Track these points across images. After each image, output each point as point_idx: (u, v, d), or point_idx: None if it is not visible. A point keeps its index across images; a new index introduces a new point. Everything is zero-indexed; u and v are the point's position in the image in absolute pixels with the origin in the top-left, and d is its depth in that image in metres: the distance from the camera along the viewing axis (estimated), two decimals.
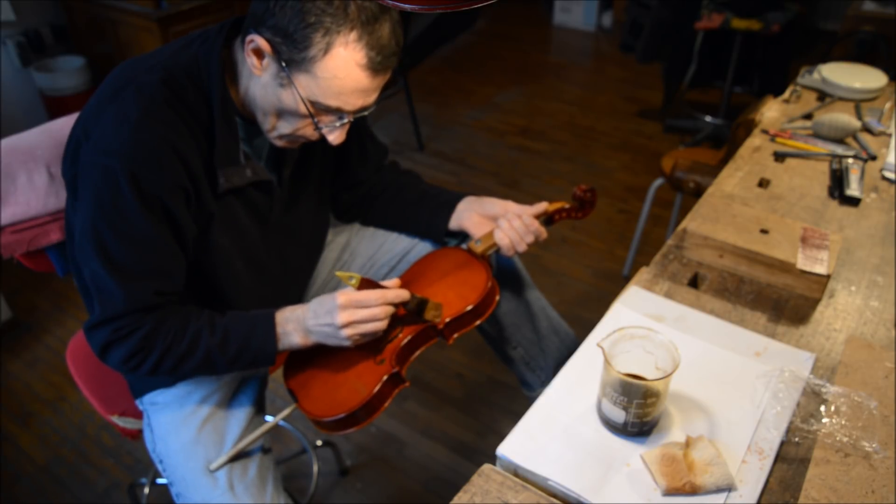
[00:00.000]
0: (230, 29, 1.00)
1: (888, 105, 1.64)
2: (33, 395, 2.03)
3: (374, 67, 0.92)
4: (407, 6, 0.43)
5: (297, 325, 1.03)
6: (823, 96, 1.72)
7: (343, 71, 0.91)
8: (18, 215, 1.15)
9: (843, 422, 0.80)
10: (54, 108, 2.91)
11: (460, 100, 3.87)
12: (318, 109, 0.96)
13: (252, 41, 0.92)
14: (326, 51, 0.89)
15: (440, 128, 3.57)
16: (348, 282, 1.00)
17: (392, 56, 0.94)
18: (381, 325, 1.02)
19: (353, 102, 0.95)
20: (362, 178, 1.30)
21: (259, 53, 0.93)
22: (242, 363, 1.02)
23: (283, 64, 0.91)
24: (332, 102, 0.94)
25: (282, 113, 0.97)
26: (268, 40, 0.91)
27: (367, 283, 1.02)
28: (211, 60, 0.96)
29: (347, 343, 1.02)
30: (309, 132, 1.00)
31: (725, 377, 0.88)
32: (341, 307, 0.99)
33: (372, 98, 0.97)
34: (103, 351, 0.98)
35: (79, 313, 2.34)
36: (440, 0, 0.43)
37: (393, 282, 1.07)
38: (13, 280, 2.45)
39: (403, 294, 1.03)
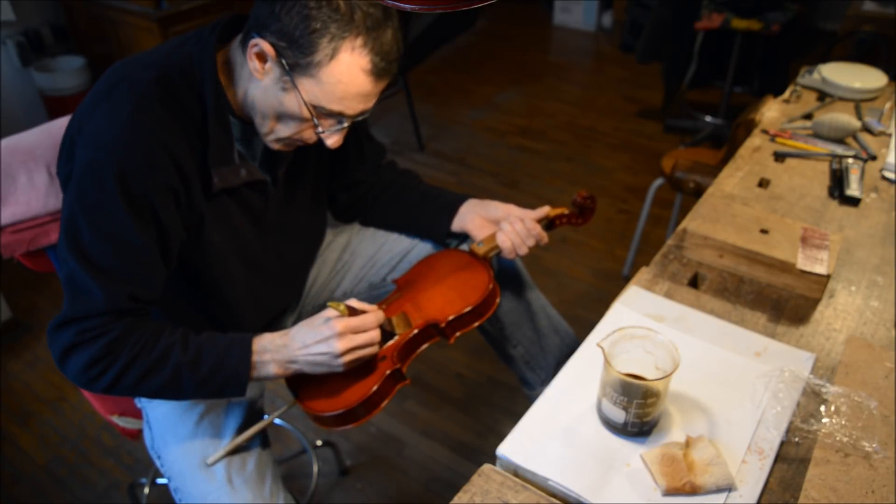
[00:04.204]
0: (225, 28, 0.99)
1: (888, 105, 1.64)
2: (33, 395, 2.03)
3: (377, 73, 0.93)
4: (407, 6, 0.43)
5: (274, 355, 1.00)
6: (823, 96, 1.72)
7: (347, 76, 0.91)
8: (18, 215, 1.15)
9: (843, 422, 0.80)
10: (54, 108, 2.91)
11: (460, 100, 3.87)
12: (320, 113, 0.96)
13: (256, 45, 0.91)
14: (332, 56, 0.90)
15: (440, 128, 3.57)
16: (338, 308, 0.99)
17: (394, 62, 0.95)
18: (376, 348, 1.02)
19: (354, 107, 0.96)
20: (360, 178, 1.30)
21: (262, 57, 0.92)
22: (211, 388, 0.97)
23: (287, 68, 0.91)
24: (335, 107, 0.94)
25: (282, 116, 0.97)
26: (272, 44, 0.90)
27: (352, 311, 1.01)
28: (204, 59, 0.95)
29: (340, 370, 1.00)
30: (307, 136, 1.00)
31: (725, 377, 0.88)
32: (340, 335, 0.97)
33: (372, 103, 0.98)
34: (64, 354, 0.92)
35: None
36: (440, 0, 0.43)
37: (370, 307, 1.05)
38: (13, 280, 2.45)
39: (381, 316, 1.04)
